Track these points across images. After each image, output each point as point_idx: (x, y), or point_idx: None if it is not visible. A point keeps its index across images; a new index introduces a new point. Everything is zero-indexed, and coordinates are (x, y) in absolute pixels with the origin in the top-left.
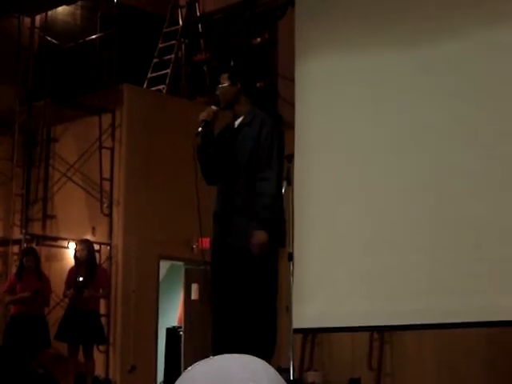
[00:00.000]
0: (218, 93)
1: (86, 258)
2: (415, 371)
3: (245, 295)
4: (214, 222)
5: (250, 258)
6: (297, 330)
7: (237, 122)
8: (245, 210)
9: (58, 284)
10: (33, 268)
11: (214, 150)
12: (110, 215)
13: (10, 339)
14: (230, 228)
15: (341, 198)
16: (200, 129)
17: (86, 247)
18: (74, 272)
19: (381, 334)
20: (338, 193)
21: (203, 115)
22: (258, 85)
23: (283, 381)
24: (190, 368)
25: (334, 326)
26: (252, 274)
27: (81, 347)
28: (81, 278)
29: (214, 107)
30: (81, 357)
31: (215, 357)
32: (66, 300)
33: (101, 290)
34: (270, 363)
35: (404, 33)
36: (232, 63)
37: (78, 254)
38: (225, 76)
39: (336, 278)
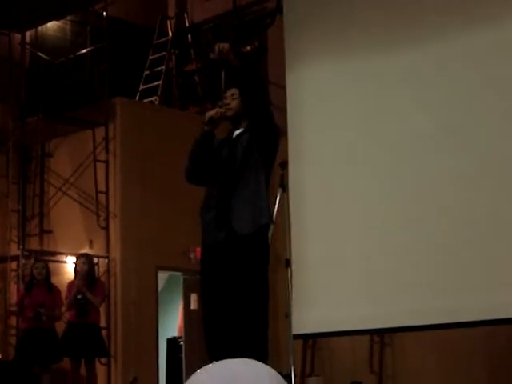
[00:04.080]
0: (228, 102)
1: (87, 272)
2: (417, 373)
3: (235, 299)
4: (206, 227)
5: (251, 248)
6: (296, 336)
7: (236, 133)
8: (247, 201)
9: None
10: (43, 280)
11: (211, 152)
12: (106, 228)
13: (21, 354)
14: (230, 223)
15: (337, 203)
16: (206, 121)
17: (86, 261)
18: (73, 286)
19: (381, 336)
20: (333, 198)
21: (210, 113)
22: None
23: (285, 382)
24: (198, 371)
25: (333, 330)
26: (244, 274)
27: (83, 361)
28: (79, 296)
29: (222, 109)
30: (83, 371)
31: (221, 361)
32: (67, 314)
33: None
34: None
35: (395, 39)
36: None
37: (78, 268)
38: (236, 91)
39: (334, 283)
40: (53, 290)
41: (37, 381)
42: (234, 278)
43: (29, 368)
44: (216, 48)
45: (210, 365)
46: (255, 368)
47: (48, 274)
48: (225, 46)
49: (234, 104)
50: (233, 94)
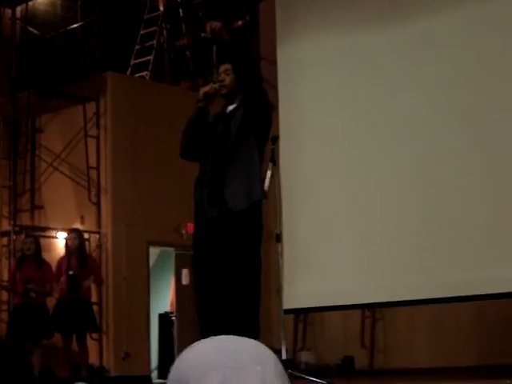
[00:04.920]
0: (222, 78)
1: (77, 247)
2: (408, 347)
3: (228, 275)
4: (198, 203)
5: (245, 224)
6: (288, 311)
7: (230, 108)
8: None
9: None
10: (32, 255)
11: (206, 128)
12: (98, 203)
13: (12, 329)
14: (223, 199)
15: (328, 179)
16: (201, 97)
17: (77, 236)
18: (63, 262)
19: (372, 311)
20: (325, 173)
21: (205, 89)
22: None
23: (283, 369)
24: (198, 343)
25: (324, 305)
26: (237, 249)
27: (74, 336)
28: (71, 272)
29: (216, 85)
30: (74, 346)
31: (224, 336)
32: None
33: (91, 277)
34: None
35: (388, 15)
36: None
37: (69, 243)
38: (229, 67)
39: (326, 258)
40: (43, 265)
41: (26, 362)
42: (227, 254)
43: (17, 348)
44: (208, 27)
45: (212, 338)
46: (259, 349)
47: (38, 249)
48: (217, 24)
49: (228, 80)
50: (226, 70)
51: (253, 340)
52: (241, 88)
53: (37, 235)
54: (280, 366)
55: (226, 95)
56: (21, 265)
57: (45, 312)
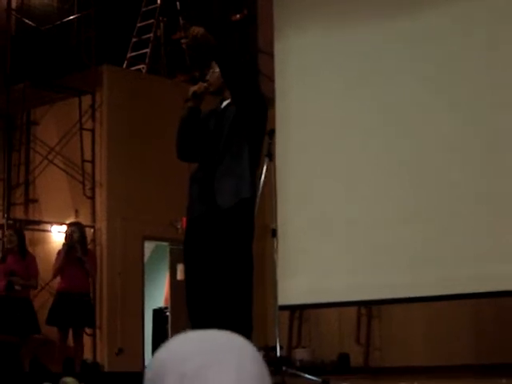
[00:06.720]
0: (208, 77)
1: (78, 240)
2: (403, 344)
3: (217, 272)
4: (193, 200)
5: (233, 221)
6: (282, 307)
7: (224, 104)
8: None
9: (43, 268)
10: (15, 248)
11: (199, 127)
12: (92, 197)
13: None
14: (213, 196)
15: (324, 173)
16: (190, 96)
17: (77, 229)
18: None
19: (368, 308)
20: (320, 167)
21: (194, 88)
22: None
23: (260, 356)
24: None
25: (320, 301)
26: (225, 248)
27: (70, 331)
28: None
29: (205, 84)
30: (69, 340)
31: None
32: (52, 284)
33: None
34: (253, 341)
35: (384, 5)
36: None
37: (70, 237)
38: (215, 64)
39: (321, 253)
40: (26, 257)
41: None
42: (216, 252)
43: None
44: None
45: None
46: (232, 335)
47: (21, 241)
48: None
49: (212, 78)
50: (212, 68)
51: (240, 338)
52: (230, 91)
53: (31, 228)
54: (257, 352)
55: (215, 92)
56: (5, 258)
57: (28, 306)
